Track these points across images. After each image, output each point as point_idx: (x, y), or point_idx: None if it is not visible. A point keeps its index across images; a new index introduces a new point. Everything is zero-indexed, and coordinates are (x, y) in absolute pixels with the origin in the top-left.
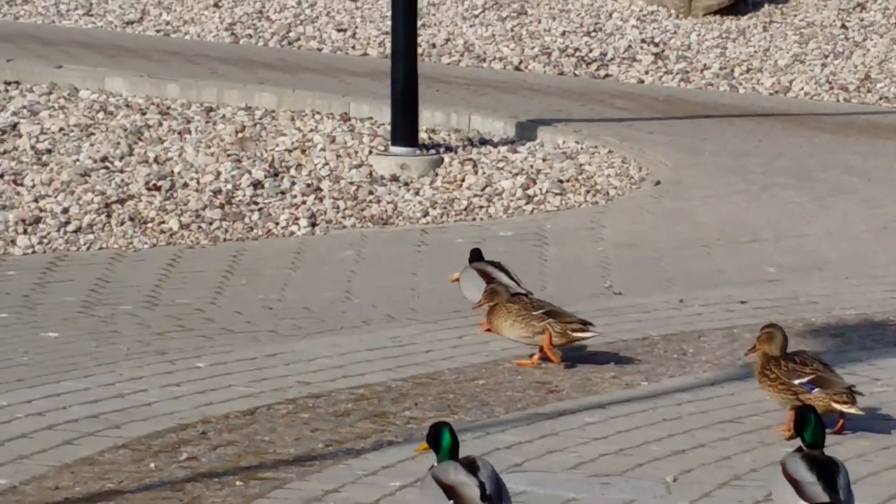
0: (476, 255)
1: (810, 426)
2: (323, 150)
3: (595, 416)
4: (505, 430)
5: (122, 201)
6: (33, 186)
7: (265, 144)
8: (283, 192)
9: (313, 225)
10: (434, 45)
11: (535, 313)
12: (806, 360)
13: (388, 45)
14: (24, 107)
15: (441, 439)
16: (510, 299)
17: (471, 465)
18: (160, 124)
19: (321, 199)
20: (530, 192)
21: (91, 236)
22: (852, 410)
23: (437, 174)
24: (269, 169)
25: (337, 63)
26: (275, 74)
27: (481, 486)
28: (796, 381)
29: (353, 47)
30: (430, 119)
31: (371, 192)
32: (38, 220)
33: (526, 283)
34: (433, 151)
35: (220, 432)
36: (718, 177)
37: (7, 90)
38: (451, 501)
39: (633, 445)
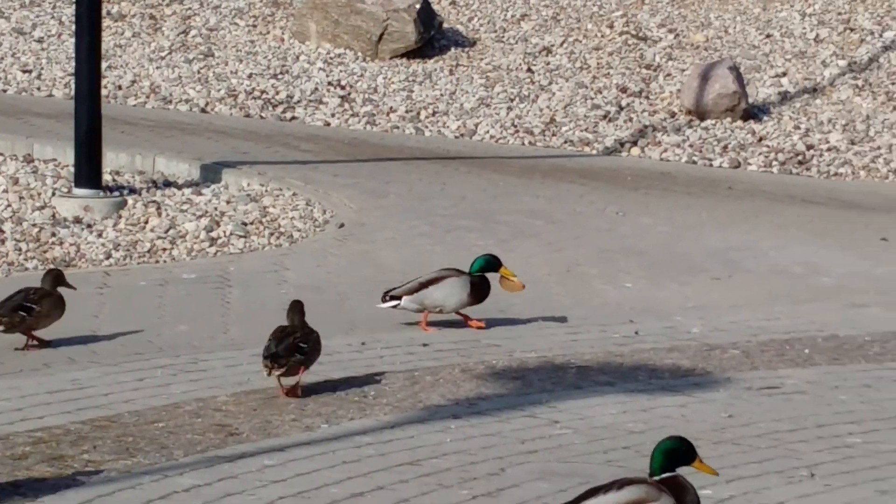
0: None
1: None
2: (5, 191)
3: (274, 458)
4: (183, 472)
5: None
6: None
7: None
8: None
9: None
10: (120, 87)
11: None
12: (277, 330)
13: (74, 86)
14: None
15: None
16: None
17: None
18: None
19: (3, 241)
20: (214, 234)
21: None
22: (267, 374)
23: (120, 216)
24: None
25: (21, 104)
26: None
27: None
28: None
29: (39, 88)
30: (114, 161)
31: (54, 234)
32: None
33: (208, 327)
34: (117, 193)
35: None
36: (403, 219)
37: None
38: None
39: (311, 488)
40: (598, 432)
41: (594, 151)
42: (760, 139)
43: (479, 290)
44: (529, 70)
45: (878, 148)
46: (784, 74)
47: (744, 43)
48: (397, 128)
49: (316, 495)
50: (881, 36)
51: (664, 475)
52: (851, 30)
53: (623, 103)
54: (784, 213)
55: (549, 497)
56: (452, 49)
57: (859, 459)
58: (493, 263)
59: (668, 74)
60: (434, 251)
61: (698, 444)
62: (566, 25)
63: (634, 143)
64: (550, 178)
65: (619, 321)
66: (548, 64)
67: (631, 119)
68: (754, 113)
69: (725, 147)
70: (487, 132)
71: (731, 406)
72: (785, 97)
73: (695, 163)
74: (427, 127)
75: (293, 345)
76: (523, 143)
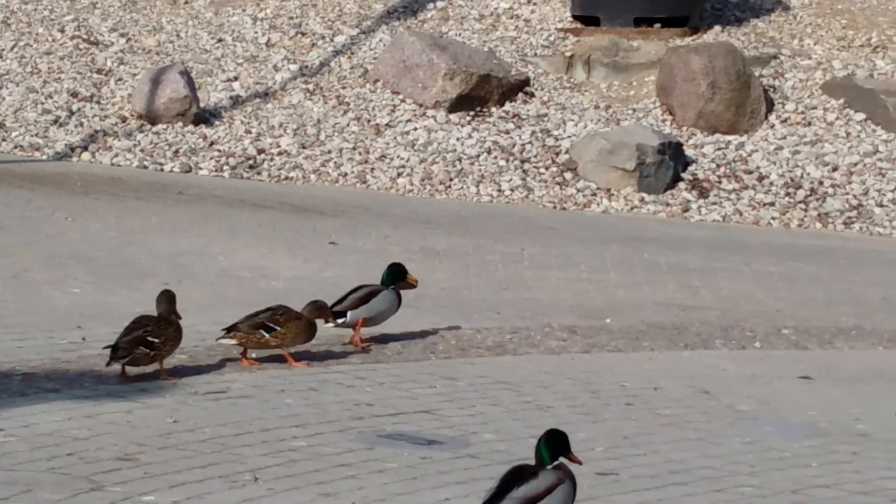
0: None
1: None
2: None
3: None
4: None
5: None
6: None
7: None
8: None
9: None
10: None
11: None
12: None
13: None
14: None
15: None
16: None
17: None
18: None
19: None
20: None
21: None
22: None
23: None
24: None
25: None
26: None
27: None
28: None
29: None
30: None
31: None
32: None
33: None
34: None
35: None
36: None
37: None
38: None
39: None
40: (43, 439)
41: (44, 157)
42: (212, 143)
43: (399, 301)
44: None
45: (329, 152)
46: (236, 79)
47: (196, 47)
48: None
49: None
50: (332, 40)
51: (555, 463)
52: (303, 34)
53: (74, 108)
54: (234, 218)
55: None
56: None
57: (303, 463)
58: (402, 272)
59: (120, 79)
60: None
61: (143, 451)
62: (17, 30)
63: (85, 148)
64: (1, 185)
65: (66, 327)
66: None
67: (82, 124)
68: (206, 117)
69: (177, 152)
70: None
71: (176, 411)
72: (237, 101)
73: (146, 167)
74: None
75: (140, 338)
76: None
